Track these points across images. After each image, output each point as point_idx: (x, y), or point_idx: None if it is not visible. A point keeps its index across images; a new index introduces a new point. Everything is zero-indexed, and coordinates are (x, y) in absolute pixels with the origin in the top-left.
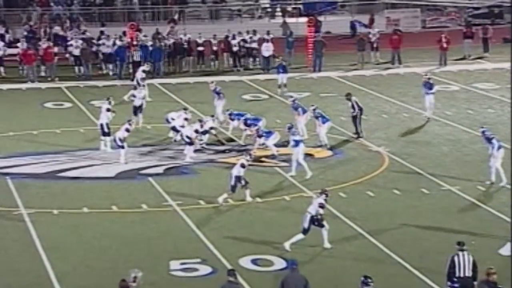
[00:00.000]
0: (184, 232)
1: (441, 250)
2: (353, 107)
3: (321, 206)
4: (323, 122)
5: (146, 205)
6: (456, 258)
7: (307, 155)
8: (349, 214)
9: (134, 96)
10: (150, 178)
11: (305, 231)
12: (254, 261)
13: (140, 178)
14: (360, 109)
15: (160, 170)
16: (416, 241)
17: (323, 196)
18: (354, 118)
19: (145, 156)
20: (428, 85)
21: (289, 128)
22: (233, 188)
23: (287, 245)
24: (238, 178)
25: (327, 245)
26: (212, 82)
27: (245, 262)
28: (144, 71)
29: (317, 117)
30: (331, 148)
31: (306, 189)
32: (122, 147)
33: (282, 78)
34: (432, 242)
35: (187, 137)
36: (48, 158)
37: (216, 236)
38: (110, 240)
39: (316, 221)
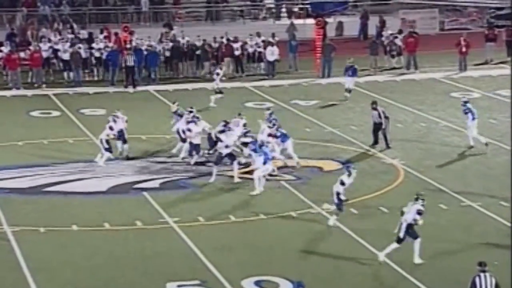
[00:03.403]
0: (182, 251)
1: (461, 271)
2: (379, 116)
3: (419, 212)
4: (283, 141)
5: (140, 222)
6: (477, 280)
7: (315, 167)
8: (360, 231)
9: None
10: (145, 193)
11: (399, 241)
12: (258, 283)
13: (134, 192)
14: (386, 118)
15: (156, 184)
16: (434, 261)
17: (420, 201)
18: (378, 128)
19: (139, 169)
20: None
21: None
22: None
23: (381, 255)
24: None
25: (417, 260)
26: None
27: (248, 284)
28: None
29: (276, 136)
30: (343, 162)
31: (313, 205)
32: (108, 149)
33: (350, 82)
34: (451, 262)
35: (183, 131)
36: (34, 171)
37: (217, 255)
38: (101, 260)
39: (411, 229)
